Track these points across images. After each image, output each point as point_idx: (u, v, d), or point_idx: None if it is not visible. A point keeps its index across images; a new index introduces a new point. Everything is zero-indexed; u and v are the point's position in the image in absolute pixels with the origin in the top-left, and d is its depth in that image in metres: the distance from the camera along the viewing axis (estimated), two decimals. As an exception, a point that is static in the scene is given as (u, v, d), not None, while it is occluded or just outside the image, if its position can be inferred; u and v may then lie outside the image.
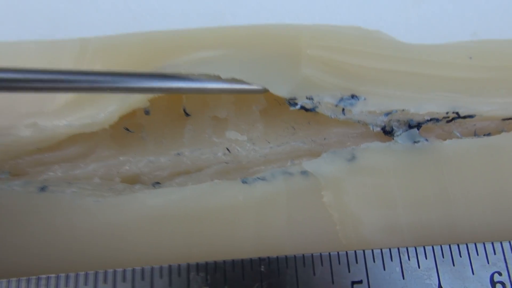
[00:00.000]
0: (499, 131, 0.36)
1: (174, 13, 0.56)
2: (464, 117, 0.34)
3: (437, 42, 0.52)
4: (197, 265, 0.27)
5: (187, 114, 0.34)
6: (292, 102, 0.32)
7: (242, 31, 0.34)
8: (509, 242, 0.28)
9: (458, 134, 0.35)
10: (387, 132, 0.34)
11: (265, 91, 0.32)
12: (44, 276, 0.26)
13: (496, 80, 0.35)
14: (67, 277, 0.26)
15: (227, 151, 0.33)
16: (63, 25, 0.55)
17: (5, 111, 0.30)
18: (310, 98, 0.32)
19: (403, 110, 0.33)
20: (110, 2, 0.55)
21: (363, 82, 0.33)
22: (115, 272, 0.27)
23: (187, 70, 0.31)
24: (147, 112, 0.33)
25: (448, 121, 0.35)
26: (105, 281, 0.26)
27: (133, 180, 0.32)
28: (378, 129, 0.34)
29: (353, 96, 0.32)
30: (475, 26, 0.57)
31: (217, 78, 0.31)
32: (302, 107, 0.32)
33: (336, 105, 0.32)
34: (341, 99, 0.32)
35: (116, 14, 0.54)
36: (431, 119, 0.34)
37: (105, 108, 0.30)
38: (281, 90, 0.31)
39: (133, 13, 0.55)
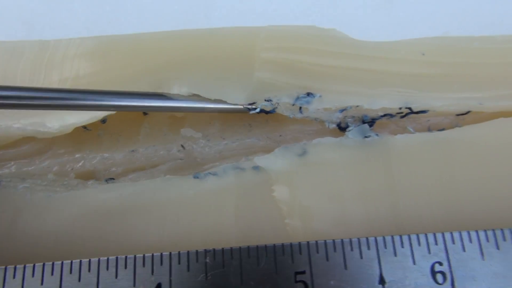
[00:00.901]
0: (453, 127, 0.36)
1: (146, 16, 0.57)
2: (417, 112, 0.35)
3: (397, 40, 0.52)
4: (144, 257, 0.28)
5: (145, 113, 0.35)
6: (251, 107, 0.33)
7: (192, 42, 0.35)
8: (451, 233, 0.29)
9: (411, 129, 0.36)
10: (343, 129, 0.35)
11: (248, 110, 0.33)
12: (-7, 268, 0.27)
13: (449, 76, 0.35)
14: (14, 269, 0.27)
15: (181, 148, 0.34)
16: (36, 27, 0.56)
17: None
18: (269, 100, 0.33)
19: (357, 106, 0.34)
20: (81, 5, 0.56)
21: (318, 80, 0.33)
22: (62, 264, 0.27)
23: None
24: (103, 121, 0.34)
25: (402, 117, 0.35)
26: (52, 273, 0.27)
27: (87, 176, 0.33)
28: (334, 125, 0.34)
29: (308, 94, 0.33)
30: (446, 26, 0.57)
31: (203, 98, 0.32)
32: (262, 111, 0.33)
33: (293, 104, 0.33)
34: (297, 98, 0.33)
35: (84, 17, 0.55)
36: (385, 115, 0.35)
37: (62, 121, 0.31)
38: (238, 99, 0.32)
39: (108, 15, 0.57)
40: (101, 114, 0.31)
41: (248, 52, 0.34)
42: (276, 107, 0.33)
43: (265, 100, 0.33)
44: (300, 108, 0.33)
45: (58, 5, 0.56)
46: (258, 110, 0.33)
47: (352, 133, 0.34)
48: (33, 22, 0.56)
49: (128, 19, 0.56)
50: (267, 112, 0.33)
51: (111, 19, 0.56)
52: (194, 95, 0.32)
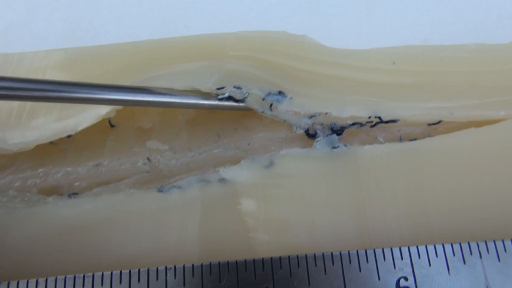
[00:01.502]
0: (425, 136, 0.36)
1: (126, 26, 0.56)
2: (387, 121, 0.35)
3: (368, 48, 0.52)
4: (102, 275, 0.27)
5: (112, 125, 0.34)
6: (220, 93, 0.32)
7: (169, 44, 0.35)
8: (416, 247, 0.28)
9: (381, 139, 0.35)
10: (311, 135, 0.34)
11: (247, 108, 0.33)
12: None
13: (418, 85, 0.35)
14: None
15: (147, 161, 0.33)
16: (18, 39, 0.56)
17: None
18: (239, 87, 0.33)
19: (326, 113, 0.33)
20: (63, 16, 0.56)
21: (290, 81, 0.33)
22: (18, 283, 0.27)
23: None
24: (69, 136, 0.33)
25: (372, 126, 0.35)
26: (9, 292, 0.26)
27: (50, 191, 0.32)
28: (302, 131, 0.34)
29: (280, 93, 0.33)
30: (426, 33, 0.57)
31: (200, 94, 0.32)
32: (231, 98, 0.33)
33: (264, 99, 0.33)
34: (269, 93, 0.33)
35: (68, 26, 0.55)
36: (354, 123, 0.34)
37: (23, 137, 0.30)
38: (208, 83, 0.32)
39: (88, 25, 0.56)
40: (63, 131, 0.31)
41: (219, 51, 0.34)
42: (246, 97, 0.33)
43: (235, 87, 0.33)
44: (271, 105, 0.33)
45: (36, 16, 0.56)
46: (226, 95, 0.33)
47: (320, 144, 0.33)
48: (10, 33, 0.55)
49: (107, 29, 0.56)
50: (236, 101, 0.33)
51: (89, 30, 0.56)
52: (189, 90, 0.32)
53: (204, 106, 0.33)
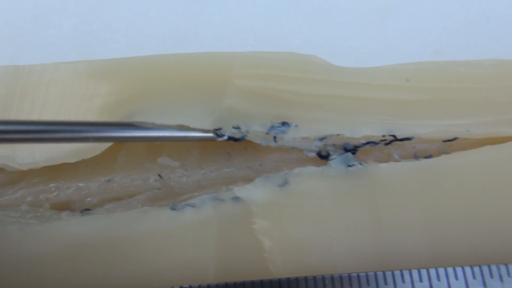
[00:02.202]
0: (440, 153, 0.35)
1: (135, 35, 0.56)
2: (402, 139, 0.34)
3: (398, 60, 0.52)
4: (116, 295, 0.27)
5: (123, 141, 0.34)
6: (219, 133, 0.32)
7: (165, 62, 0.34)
8: (436, 269, 0.28)
9: (396, 156, 0.35)
10: (323, 157, 0.34)
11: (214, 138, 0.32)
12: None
13: (433, 102, 0.35)
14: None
15: (158, 177, 0.33)
16: (25, 47, 0.55)
17: None
18: (237, 128, 0.32)
19: (338, 134, 0.33)
20: (73, 24, 0.56)
21: (295, 109, 0.32)
22: (31, 303, 0.26)
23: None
24: None
25: (386, 144, 0.35)
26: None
27: (62, 207, 0.32)
28: (313, 154, 0.34)
29: (283, 123, 0.32)
30: (437, 44, 0.57)
31: (167, 126, 0.31)
32: (231, 138, 0.32)
33: (267, 133, 0.32)
34: (272, 127, 0.32)
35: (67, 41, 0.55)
36: (367, 142, 0.34)
37: (33, 158, 0.30)
38: (203, 124, 0.31)
39: (97, 33, 0.56)
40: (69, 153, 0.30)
41: (223, 78, 0.33)
42: (246, 135, 0.32)
43: (233, 128, 0.32)
44: (275, 137, 0.33)
45: (45, 24, 0.55)
46: (226, 137, 0.32)
47: (335, 162, 0.33)
48: (19, 40, 0.55)
49: (116, 37, 0.56)
50: (236, 140, 0.33)
51: (98, 38, 0.56)
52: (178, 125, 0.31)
53: (194, 139, 0.32)
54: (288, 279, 0.28)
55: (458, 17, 0.58)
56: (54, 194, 0.32)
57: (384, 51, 0.57)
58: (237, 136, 0.32)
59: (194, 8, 0.57)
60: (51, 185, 0.32)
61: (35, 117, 0.32)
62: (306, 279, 0.28)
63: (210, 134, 0.32)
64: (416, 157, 0.36)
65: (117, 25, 0.57)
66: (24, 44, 0.55)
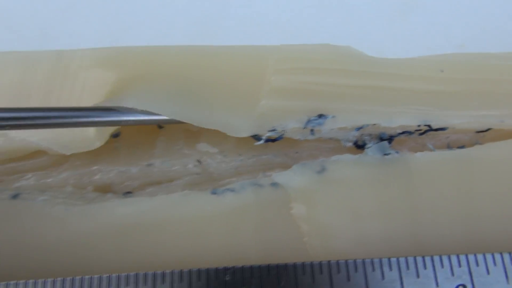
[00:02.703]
0: (473, 144, 0.36)
1: (161, 27, 0.57)
2: (436, 129, 0.35)
3: (422, 54, 0.53)
4: (163, 273, 0.28)
5: (160, 127, 0.35)
6: (256, 137, 0.32)
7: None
8: (475, 255, 0.28)
9: (431, 146, 0.35)
10: (359, 146, 0.35)
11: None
12: (13, 282, 0.26)
13: (468, 93, 0.35)
14: (34, 284, 0.27)
15: (197, 163, 0.34)
16: (48, 37, 0.56)
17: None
18: (273, 130, 0.32)
19: (374, 124, 0.33)
20: (99, 15, 0.57)
21: (331, 100, 0.33)
22: (82, 279, 0.27)
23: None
24: (116, 135, 0.33)
25: (420, 134, 0.35)
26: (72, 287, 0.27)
27: (104, 189, 0.33)
28: (350, 144, 0.34)
29: (320, 116, 0.33)
30: (462, 39, 0.57)
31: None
32: (268, 140, 0.32)
33: (304, 128, 0.32)
34: (308, 121, 0.32)
35: (97, 29, 0.55)
36: (403, 132, 0.35)
37: (75, 142, 0.30)
38: (239, 131, 0.31)
39: (123, 25, 0.57)
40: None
41: (257, 74, 0.33)
42: (283, 134, 0.33)
43: (269, 131, 0.32)
44: (312, 130, 0.33)
45: (72, 15, 0.56)
46: (263, 141, 0.33)
47: (372, 151, 0.33)
48: (47, 31, 0.56)
49: (143, 29, 0.56)
50: (273, 140, 0.33)
51: (126, 29, 0.56)
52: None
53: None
54: (329, 262, 0.28)
55: (483, 12, 0.58)
56: (97, 177, 0.32)
57: (408, 46, 0.57)
58: (274, 137, 0.33)
59: (219, 2, 0.58)
60: (94, 167, 0.33)
61: (75, 99, 0.32)
62: (346, 262, 0.28)
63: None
64: (449, 147, 0.36)
65: (143, 17, 0.57)
66: (52, 34, 0.56)
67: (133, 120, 0.30)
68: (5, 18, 0.54)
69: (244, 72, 0.33)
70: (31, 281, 0.27)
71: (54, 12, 0.56)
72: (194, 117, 0.30)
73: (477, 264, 0.28)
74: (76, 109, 0.29)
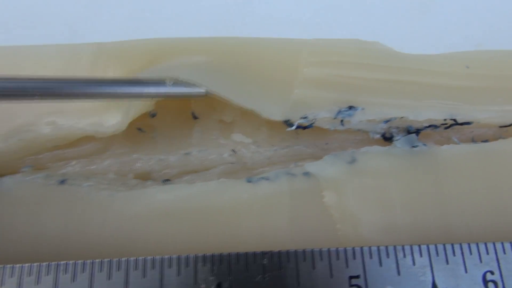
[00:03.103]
0: (497, 138, 0.37)
1: (185, 21, 0.58)
2: (462, 124, 0.36)
3: (440, 52, 0.54)
4: (204, 256, 0.29)
5: (195, 117, 0.36)
6: (288, 123, 0.33)
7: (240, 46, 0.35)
8: (502, 243, 0.29)
9: (456, 140, 0.37)
10: (387, 139, 0.36)
11: (206, 94, 0.32)
12: (62, 262, 0.28)
13: (493, 88, 0.36)
14: (83, 264, 0.28)
15: (232, 152, 0.35)
16: (80, 30, 0.58)
17: (27, 109, 0.32)
18: (305, 117, 0.33)
19: (402, 117, 0.35)
20: (125, 9, 0.58)
21: (361, 93, 0.34)
22: (127, 260, 0.28)
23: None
24: (153, 115, 0.35)
25: (446, 128, 0.36)
26: (118, 269, 0.28)
27: (144, 177, 0.34)
28: (378, 136, 0.35)
29: (350, 107, 0.34)
30: (479, 38, 0.58)
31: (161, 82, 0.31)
32: (299, 127, 0.34)
33: (334, 118, 0.34)
34: (339, 112, 0.34)
35: (129, 21, 0.57)
36: (429, 126, 0.36)
37: (114, 117, 0.32)
38: (273, 114, 0.33)
39: (148, 20, 0.58)
40: (148, 105, 0.32)
41: (292, 65, 0.34)
42: (313, 122, 0.34)
43: (301, 118, 0.34)
44: (342, 120, 0.34)
45: (99, 10, 0.58)
46: (294, 127, 0.34)
47: (400, 143, 0.35)
48: (75, 26, 0.57)
49: (168, 24, 0.58)
50: (304, 128, 0.34)
51: (152, 23, 0.58)
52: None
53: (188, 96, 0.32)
54: (361, 248, 0.29)
55: (500, 11, 0.59)
56: (138, 164, 0.34)
57: (426, 44, 0.58)
58: (305, 124, 0.34)
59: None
60: (134, 155, 0.34)
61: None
62: (378, 248, 0.29)
63: (202, 90, 0.32)
64: (473, 141, 0.37)
65: (169, 13, 0.58)
66: (80, 29, 0.58)
67: (163, 93, 0.31)
68: (34, 13, 0.56)
69: (280, 62, 0.34)
70: (79, 261, 0.28)
71: (81, 7, 0.57)
72: (233, 93, 0.32)
73: (504, 252, 0.29)
74: (101, 81, 0.30)
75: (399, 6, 0.60)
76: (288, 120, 0.34)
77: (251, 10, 0.58)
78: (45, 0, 0.56)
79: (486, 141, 0.37)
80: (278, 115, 0.33)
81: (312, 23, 0.56)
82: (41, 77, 0.28)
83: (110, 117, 0.32)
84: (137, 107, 0.33)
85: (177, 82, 0.31)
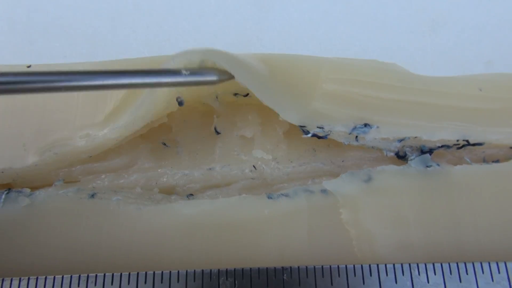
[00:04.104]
0: (507, 158, 0.38)
1: (203, 37, 0.60)
2: (474, 144, 0.37)
3: (451, 69, 0.56)
4: (227, 271, 0.30)
5: (217, 133, 0.38)
6: (304, 130, 0.35)
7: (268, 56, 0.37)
8: (513, 263, 0.31)
9: (468, 160, 0.38)
10: (401, 157, 0.37)
11: (217, 82, 0.31)
12: (92, 274, 0.29)
13: (504, 110, 0.38)
14: (112, 276, 0.30)
15: (253, 168, 0.36)
16: (102, 46, 0.60)
17: (62, 124, 0.34)
18: (321, 127, 0.35)
19: (415, 137, 0.36)
20: (145, 25, 0.60)
21: (377, 112, 0.35)
22: (154, 274, 0.30)
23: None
24: (181, 103, 0.34)
25: (458, 148, 0.38)
26: (145, 281, 0.30)
27: (169, 191, 0.36)
28: (392, 154, 0.37)
29: (366, 125, 0.35)
30: (489, 55, 0.59)
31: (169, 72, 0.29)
32: (314, 135, 0.35)
33: (350, 133, 0.35)
34: (354, 128, 0.35)
35: (153, 37, 0.58)
36: (442, 146, 0.37)
37: (134, 116, 0.32)
38: (291, 117, 0.34)
39: (167, 35, 0.60)
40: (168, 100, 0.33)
41: (312, 79, 0.36)
42: (329, 134, 0.35)
43: (317, 127, 0.35)
44: (356, 136, 0.36)
45: (120, 24, 0.59)
46: (310, 134, 0.35)
47: (415, 162, 0.36)
48: (96, 39, 0.59)
49: (186, 39, 0.59)
50: (319, 137, 0.36)
51: (169, 39, 0.59)
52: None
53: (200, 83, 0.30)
54: (377, 266, 0.31)
55: (509, 28, 0.60)
56: (164, 179, 0.35)
57: (437, 62, 0.59)
58: (321, 134, 0.35)
59: (258, 15, 0.61)
60: (159, 170, 0.36)
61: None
62: (394, 266, 0.31)
63: (214, 78, 0.31)
64: (485, 161, 0.38)
65: (186, 27, 0.60)
66: (101, 42, 0.59)
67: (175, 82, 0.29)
68: (58, 27, 0.58)
69: (302, 75, 0.36)
70: (109, 273, 0.30)
71: (102, 22, 0.59)
72: (259, 89, 0.32)
73: (515, 271, 0.30)
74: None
75: (411, 25, 0.61)
76: (305, 127, 0.35)
77: (266, 27, 0.60)
78: (68, 14, 0.58)
79: (497, 161, 0.38)
80: (295, 119, 0.34)
81: (325, 40, 0.57)
82: (60, 70, 0.28)
83: (128, 117, 0.33)
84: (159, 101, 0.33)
85: (192, 71, 0.30)
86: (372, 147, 0.37)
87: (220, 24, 0.60)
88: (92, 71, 0.29)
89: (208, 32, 0.60)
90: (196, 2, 0.61)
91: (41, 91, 0.28)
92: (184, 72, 0.29)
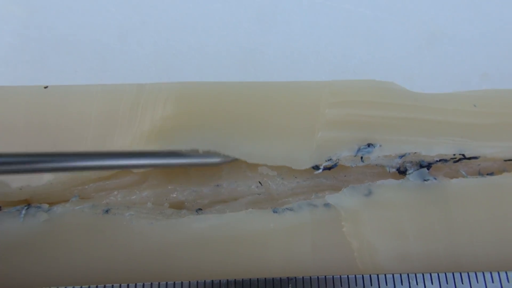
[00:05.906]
0: (501, 171, 0.40)
1: (208, 52, 0.62)
2: (470, 158, 0.39)
3: (447, 81, 0.58)
4: (235, 281, 0.32)
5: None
6: (315, 167, 0.37)
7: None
8: (506, 272, 0.32)
9: (463, 173, 0.40)
10: (402, 172, 0.39)
11: (220, 164, 0.35)
12: (109, 285, 0.31)
13: (498, 125, 0.39)
14: (127, 287, 0.31)
15: (259, 184, 0.38)
16: (110, 61, 0.62)
17: (76, 144, 0.36)
18: (329, 160, 0.37)
19: (415, 152, 0.38)
20: (152, 41, 0.62)
21: (379, 131, 0.37)
22: (166, 284, 0.32)
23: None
24: None
25: (455, 161, 0.39)
26: (161, 293, 0.32)
27: (179, 206, 0.38)
28: (394, 169, 0.38)
29: (369, 145, 0.37)
30: (485, 67, 0.61)
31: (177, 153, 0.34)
32: (325, 168, 0.37)
33: (355, 155, 0.37)
34: (359, 149, 0.37)
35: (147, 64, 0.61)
36: (440, 160, 0.39)
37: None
38: (304, 165, 0.36)
39: (174, 49, 0.62)
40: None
41: (314, 108, 0.37)
42: (337, 162, 0.37)
43: (326, 160, 0.37)
44: (362, 157, 0.37)
45: (128, 40, 0.61)
46: (321, 170, 0.37)
47: (413, 177, 0.38)
48: (104, 54, 0.61)
49: (193, 54, 0.61)
50: (329, 169, 0.37)
51: (176, 54, 0.62)
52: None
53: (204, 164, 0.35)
54: (377, 276, 0.32)
55: (505, 42, 0.62)
56: (174, 195, 0.37)
57: (434, 74, 0.61)
58: (330, 165, 0.37)
59: (261, 35, 0.63)
60: (169, 187, 0.38)
61: (156, 130, 0.37)
62: (393, 276, 0.32)
63: (217, 160, 0.35)
64: (480, 173, 0.40)
65: (192, 43, 0.62)
66: (109, 57, 0.62)
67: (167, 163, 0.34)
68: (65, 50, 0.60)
69: (299, 106, 0.37)
70: (124, 284, 0.32)
71: (111, 37, 0.61)
72: (260, 156, 0.35)
73: (508, 281, 0.32)
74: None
75: (409, 39, 0.63)
76: (316, 166, 0.37)
77: (269, 41, 0.62)
78: (78, 31, 0.60)
79: (491, 173, 0.40)
80: (307, 164, 0.36)
81: (326, 52, 0.59)
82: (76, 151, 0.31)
83: None
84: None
85: (206, 154, 0.35)
86: (376, 165, 0.38)
87: (225, 39, 0.62)
88: (110, 152, 0.33)
89: (212, 46, 0.62)
90: (201, 18, 0.63)
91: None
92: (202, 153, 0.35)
